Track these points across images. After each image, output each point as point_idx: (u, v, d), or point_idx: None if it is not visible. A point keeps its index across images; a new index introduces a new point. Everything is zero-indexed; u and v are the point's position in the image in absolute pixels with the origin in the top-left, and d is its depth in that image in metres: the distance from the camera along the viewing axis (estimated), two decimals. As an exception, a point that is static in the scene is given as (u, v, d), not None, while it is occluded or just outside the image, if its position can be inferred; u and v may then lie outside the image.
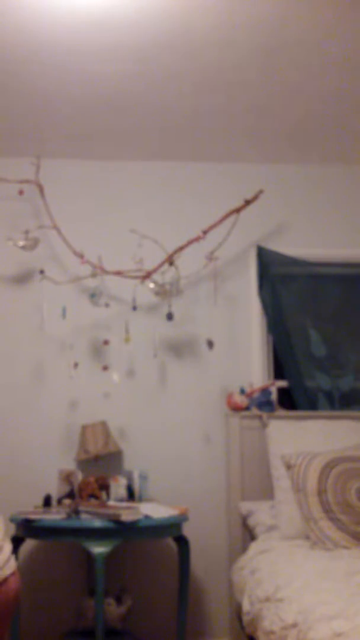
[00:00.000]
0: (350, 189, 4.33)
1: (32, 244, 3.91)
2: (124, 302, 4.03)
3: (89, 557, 3.50)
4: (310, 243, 4.25)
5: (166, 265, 3.93)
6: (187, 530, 3.62)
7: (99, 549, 3.22)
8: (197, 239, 3.97)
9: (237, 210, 3.97)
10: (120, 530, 3.27)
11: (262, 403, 3.92)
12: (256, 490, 3.82)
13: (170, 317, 3.96)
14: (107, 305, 3.96)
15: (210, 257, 4.01)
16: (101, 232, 4.14)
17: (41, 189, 4.00)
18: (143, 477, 3.72)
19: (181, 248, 3.96)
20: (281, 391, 4.14)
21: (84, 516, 3.35)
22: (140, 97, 3.61)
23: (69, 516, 3.33)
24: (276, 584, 2.70)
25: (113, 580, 3.70)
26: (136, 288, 3.94)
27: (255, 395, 3.95)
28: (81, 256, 3.97)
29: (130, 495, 3.67)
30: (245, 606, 2.93)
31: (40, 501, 3.61)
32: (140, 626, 3.75)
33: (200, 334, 4.07)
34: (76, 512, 3.37)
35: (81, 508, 3.40)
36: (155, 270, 3.93)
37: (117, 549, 3.32)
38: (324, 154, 4.22)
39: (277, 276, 4.16)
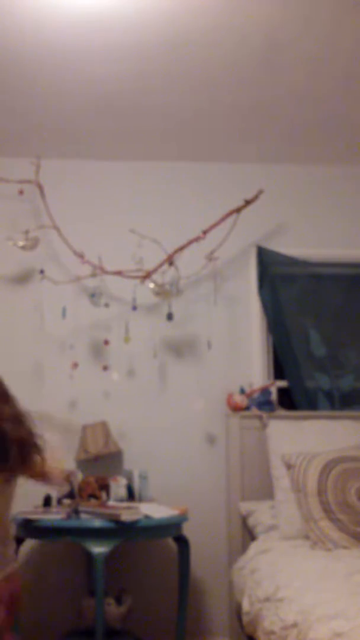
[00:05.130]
0: (350, 189, 4.34)
1: (32, 244, 3.91)
2: (124, 302, 4.03)
3: (89, 557, 3.50)
4: (310, 243, 4.25)
5: (166, 265, 3.93)
6: (187, 530, 3.62)
7: (98, 549, 3.22)
8: (197, 239, 3.97)
9: (237, 210, 3.98)
10: (120, 530, 3.27)
11: (262, 403, 3.92)
12: (256, 490, 3.82)
13: (170, 317, 3.97)
14: (107, 305, 3.96)
15: (210, 257, 4.01)
16: (101, 232, 4.14)
17: (41, 189, 4.00)
18: (143, 477, 3.72)
19: (181, 248, 3.96)
20: (281, 391, 4.14)
21: (84, 516, 3.34)
22: (140, 97, 3.61)
23: (69, 516, 3.33)
24: (276, 584, 2.70)
25: (113, 580, 3.70)
26: (136, 288, 3.94)
27: (255, 395, 3.95)
28: (81, 256, 3.97)
29: (130, 495, 3.67)
30: (245, 606, 2.93)
31: (40, 501, 3.61)
32: (140, 626, 3.75)
33: (200, 334, 4.07)
34: (76, 512, 3.37)
35: (81, 508, 3.40)
36: (155, 270, 3.93)
37: (117, 549, 3.32)
38: (324, 154, 4.22)
39: (277, 276, 4.16)
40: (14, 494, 2.60)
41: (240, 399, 3.93)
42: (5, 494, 2.52)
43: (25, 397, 4.19)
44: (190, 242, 3.97)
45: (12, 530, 3.35)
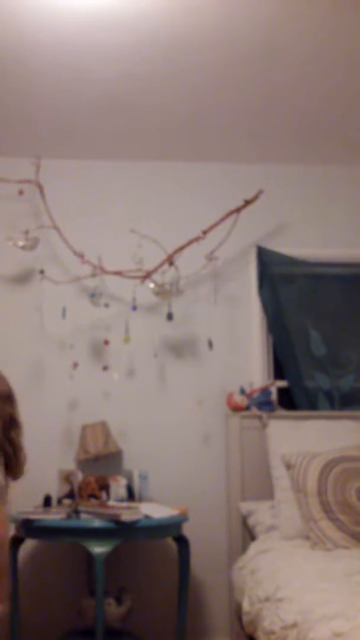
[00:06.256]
0: (350, 189, 4.34)
1: (32, 244, 3.91)
2: (124, 302, 4.03)
3: (89, 557, 3.50)
4: (310, 243, 4.25)
5: (166, 265, 3.93)
6: (187, 530, 3.62)
7: (98, 549, 3.22)
8: (197, 239, 3.97)
9: (237, 210, 3.98)
10: (120, 530, 3.27)
11: (262, 403, 3.92)
12: (256, 490, 3.81)
13: (170, 317, 3.97)
14: (107, 305, 3.96)
15: (210, 257, 4.01)
16: (101, 232, 4.14)
17: (41, 189, 4.00)
18: (143, 477, 3.72)
19: (181, 248, 3.96)
20: (281, 391, 4.14)
21: (84, 516, 3.35)
22: (140, 97, 3.61)
23: (69, 516, 3.33)
24: (276, 584, 2.69)
25: (113, 580, 3.70)
26: (136, 288, 3.94)
27: (255, 395, 3.95)
28: (81, 256, 3.97)
29: (130, 495, 3.67)
30: (245, 606, 2.93)
31: (40, 501, 3.61)
32: (140, 626, 3.75)
33: (200, 334, 4.07)
34: (76, 512, 3.37)
35: (81, 508, 3.40)
36: (155, 270, 3.93)
37: (117, 549, 3.32)
38: (324, 154, 4.22)
39: (277, 276, 4.16)
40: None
41: (240, 399, 3.93)
42: None
43: (25, 397, 4.21)
44: (190, 242, 3.97)
45: (11, 531, 3.32)
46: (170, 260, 3.94)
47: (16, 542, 3.46)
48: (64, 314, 3.92)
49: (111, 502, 3.54)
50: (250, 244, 4.20)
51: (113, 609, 3.53)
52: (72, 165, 4.22)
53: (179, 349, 4.11)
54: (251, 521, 3.69)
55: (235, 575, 3.38)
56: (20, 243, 3.90)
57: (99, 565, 3.21)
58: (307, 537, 3.27)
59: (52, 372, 4.01)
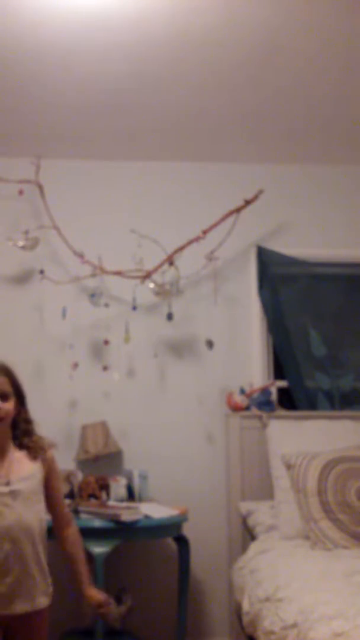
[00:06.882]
0: (350, 189, 4.34)
1: (32, 244, 3.91)
2: (124, 302, 4.03)
3: (89, 557, 3.50)
4: (310, 243, 4.25)
5: (166, 265, 3.93)
6: (187, 530, 3.62)
7: (99, 549, 3.22)
8: (197, 239, 3.97)
9: (237, 210, 3.98)
10: (120, 530, 3.27)
11: (262, 403, 3.92)
12: (256, 490, 3.82)
13: (170, 317, 3.97)
14: (107, 305, 3.96)
15: (210, 257, 4.01)
16: (101, 232, 4.14)
17: (41, 189, 4.00)
18: (143, 477, 3.72)
19: (181, 248, 3.96)
20: (281, 391, 4.14)
21: (84, 516, 3.35)
22: (140, 97, 3.61)
23: (69, 516, 3.33)
24: (276, 584, 2.69)
25: (113, 580, 3.70)
26: (136, 288, 3.94)
27: (255, 395, 3.95)
28: (81, 256, 3.97)
29: (130, 495, 3.67)
30: (245, 606, 2.93)
31: (40, 501, 3.61)
32: (140, 626, 3.75)
33: (200, 334, 4.07)
34: (76, 512, 3.37)
35: (81, 508, 3.40)
36: (155, 270, 3.94)
37: (117, 549, 3.32)
38: (324, 154, 4.22)
39: (277, 276, 4.16)
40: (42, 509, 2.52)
41: (240, 399, 3.93)
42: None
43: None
44: (190, 242, 3.97)
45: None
46: (170, 260, 3.93)
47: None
48: (64, 314, 3.92)
49: (111, 502, 3.54)
50: (250, 244, 4.20)
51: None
52: (72, 165, 4.22)
53: (179, 349, 4.11)
54: (251, 521, 3.69)
55: (235, 575, 3.38)
56: (20, 243, 3.90)
57: (99, 565, 3.21)
58: (307, 537, 3.27)
59: (52, 372, 4.01)
